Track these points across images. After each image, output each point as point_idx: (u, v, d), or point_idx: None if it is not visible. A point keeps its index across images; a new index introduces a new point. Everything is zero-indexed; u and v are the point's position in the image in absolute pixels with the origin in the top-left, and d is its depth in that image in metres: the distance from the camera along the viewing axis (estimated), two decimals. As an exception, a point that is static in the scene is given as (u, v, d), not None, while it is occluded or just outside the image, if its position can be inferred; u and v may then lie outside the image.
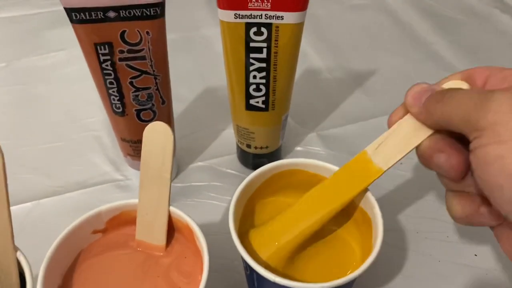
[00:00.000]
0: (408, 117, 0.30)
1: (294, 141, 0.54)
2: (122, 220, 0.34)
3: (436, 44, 0.68)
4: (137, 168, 0.46)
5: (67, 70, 0.63)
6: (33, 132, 0.54)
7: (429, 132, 0.29)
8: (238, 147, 0.50)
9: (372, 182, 0.32)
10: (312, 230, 0.33)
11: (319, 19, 0.71)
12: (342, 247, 0.34)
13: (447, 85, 0.30)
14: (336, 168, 0.35)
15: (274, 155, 0.50)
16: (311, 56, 0.65)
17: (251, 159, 0.50)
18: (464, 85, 0.29)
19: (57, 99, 0.59)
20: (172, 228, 0.34)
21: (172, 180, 0.32)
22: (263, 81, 0.42)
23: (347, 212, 0.36)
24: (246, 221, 0.35)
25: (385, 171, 0.32)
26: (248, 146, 0.48)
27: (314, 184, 0.36)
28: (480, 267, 0.41)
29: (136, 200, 0.33)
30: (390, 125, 0.32)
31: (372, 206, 0.33)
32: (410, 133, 0.30)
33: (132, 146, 0.44)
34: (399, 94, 0.57)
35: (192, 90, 0.60)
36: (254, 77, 0.42)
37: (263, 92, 0.43)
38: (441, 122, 0.27)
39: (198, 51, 0.66)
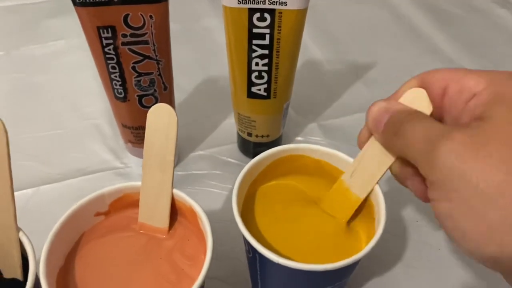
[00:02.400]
0: (373, 140, 0.31)
1: (294, 131, 0.54)
2: (125, 202, 0.34)
3: (435, 38, 0.68)
4: (138, 155, 0.46)
5: (67, 59, 0.63)
6: (32, 120, 0.54)
7: (393, 158, 0.30)
8: (239, 136, 0.50)
9: (354, 210, 0.34)
10: None
11: (320, 12, 0.72)
12: (347, 231, 0.34)
13: (405, 98, 0.29)
14: (338, 153, 0.35)
15: (274, 144, 0.49)
16: (311, 48, 0.65)
17: (251, 148, 0.50)
18: (422, 95, 0.29)
19: (57, 87, 0.59)
20: (175, 211, 0.34)
21: (175, 163, 0.32)
22: (265, 68, 0.42)
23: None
24: (249, 205, 0.35)
25: (363, 199, 0.33)
26: (249, 134, 0.48)
27: (317, 169, 0.36)
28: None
29: (139, 183, 0.33)
30: (359, 146, 0.32)
31: (374, 191, 0.33)
32: (378, 158, 0.31)
33: (134, 133, 0.44)
34: (398, 86, 0.58)
35: (192, 80, 0.60)
36: (257, 64, 0.42)
37: (265, 79, 0.43)
38: (400, 155, 0.28)
39: (198, 42, 0.66)
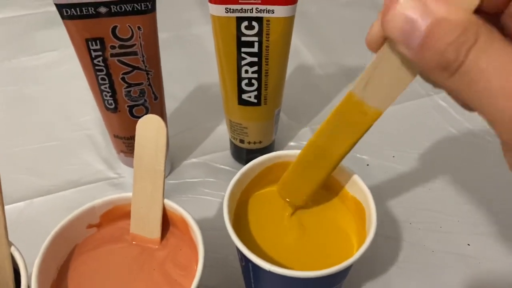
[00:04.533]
0: (389, 49, 0.23)
1: (287, 136, 0.54)
2: (117, 214, 0.34)
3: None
4: (131, 165, 0.46)
5: (59, 70, 0.63)
6: (25, 132, 0.54)
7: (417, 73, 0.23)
8: (231, 142, 0.50)
9: (371, 125, 0.28)
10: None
11: (310, 16, 0.72)
12: (339, 236, 0.34)
13: None
14: None
15: (267, 150, 0.50)
16: (302, 52, 0.65)
17: (244, 155, 0.50)
18: None
19: (49, 98, 0.59)
20: (167, 221, 0.34)
21: (166, 173, 0.32)
22: (255, 75, 0.42)
23: (341, 201, 0.36)
24: (241, 213, 0.36)
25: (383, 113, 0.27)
26: (242, 141, 0.48)
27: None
28: (473, 256, 0.42)
29: (130, 194, 0.33)
30: (369, 47, 0.24)
31: (364, 195, 0.33)
32: (400, 67, 0.24)
33: (125, 143, 0.44)
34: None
35: (184, 88, 0.60)
36: (246, 71, 0.42)
37: (255, 86, 0.43)
38: (455, 94, 0.19)
39: (189, 50, 0.66)
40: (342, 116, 0.29)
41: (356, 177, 0.35)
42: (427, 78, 0.23)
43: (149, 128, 0.32)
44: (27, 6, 0.73)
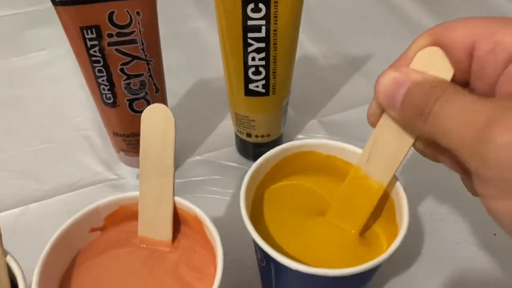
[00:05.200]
0: (387, 118, 0.26)
1: (295, 129, 0.51)
2: (122, 215, 0.31)
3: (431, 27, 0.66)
4: (132, 164, 0.43)
5: (50, 70, 0.60)
6: (18, 135, 0.51)
7: (413, 137, 0.26)
8: (237, 137, 0.47)
9: (377, 201, 0.30)
10: None
11: (311, 5, 0.69)
12: (365, 233, 0.32)
13: (417, 61, 0.25)
14: (349, 146, 0.33)
15: (275, 144, 0.46)
16: (305, 43, 0.63)
17: (251, 150, 0.47)
18: (439, 55, 0.24)
19: (42, 99, 0.56)
20: (178, 221, 0.31)
21: (175, 168, 0.29)
22: (263, 62, 0.40)
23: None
24: (256, 210, 0.33)
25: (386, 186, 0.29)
26: (248, 135, 0.45)
27: (327, 166, 0.34)
28: (500, 246, 0.39)
29: (136, 193, 0.30)
30: (370, 123, 0.28)
31: (393, 184, 0.31)
32: (396, 136, 0.26)
33: (126, 140, 0.41)
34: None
35: (184, 84, 0.57)
36: (253, 59, 0.39)
37: (263, 75, 0.40)
38: (430, 139, 0.23)
39: (187, 45, 0.64)
40: (351, 189, 0.31)
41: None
42: (422, 151, 0.27)
43: (155, 119, 0.29)
44: (12, 6, 0.70)
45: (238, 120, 0.45)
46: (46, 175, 0.47)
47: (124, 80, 0.37)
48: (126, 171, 0.46)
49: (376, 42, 0.63)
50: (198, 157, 0.48)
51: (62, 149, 0.49)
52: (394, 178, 0.30)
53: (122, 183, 0.46)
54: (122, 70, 0.37)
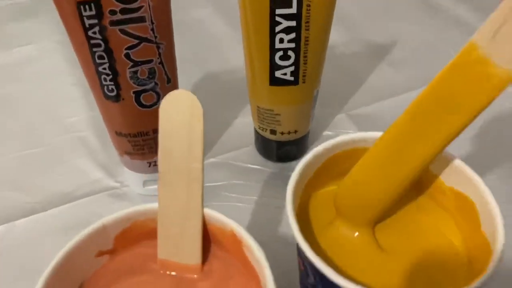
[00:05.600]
0: None
1: (321, 124, 0.45)
2: (136, 234, 0.24)
3: (456, 9, 0.60)
4: (138, 169, 0.36)
5: (38, 66, 0.53)
6: (3, 138, 0.44)
7: None
8: (257, 135, 0.41)
9: (498, 95, 0.20)
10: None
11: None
12: (438, 248, 0.25)
13: None
14: None
15: (301, 142, 0.41)
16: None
17: (274, 149, 0.41)
18: None
19: (30, 99, 0.49)
20: (208, 239, 0.24)
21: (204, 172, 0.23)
22: (292, 45, 0.33)
23: (431, 197, 0.27)
24: (302, 219, 0.26)
25: None
26: (273, 132, 0.39)
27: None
28: None
29: (154, 205, 0.24)
30: None
31: (474, 185, 0.25)
32: None
33: (131, 141, 0.35)
34: (427, 64, 0.50)
35: (191, 78, 0.51)
36: (281, 40, 0.33)
37: (292, 59, 0.34)
38: None
39: (192, 36, 0.57)
40: (454, 81, 0.21)
41: (457, 162, 0.26)
42: None
43: (178, 109, 0.22)
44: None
45: (261, 115, 0.38)
46: (36, 185, 0.40)
47: (129, 68, 0.31)
48: (129, 178, 0.39)
49: (399, 29, 0.57)
50: (212, 160, 0.42)
51: (54, 154, 0.43)
52: (477, 182, 0.24)
53: (124, 191, 0.40)
54: (127, 55, 0.30)
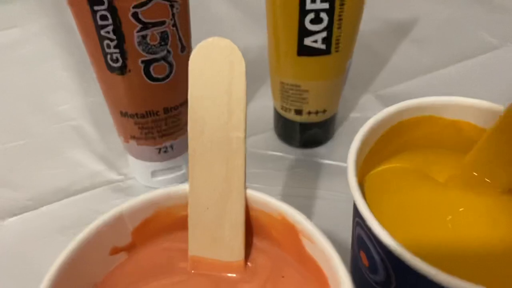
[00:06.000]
0: None
1: (346, 106, 0.40)
2: (161, 225, 0.19)
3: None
4: (145, 157, 0.31)
5: (24, 51, 0.47)
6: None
7: None
8: (278, 117, 0.36)
9: None
10: None
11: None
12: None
13: None
14: (486, 103, 0.22)
15: (327, 125, 0.36)
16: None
17: (298, 133, 0.36)
18: None
19: (17, 86, 0.44)
20: (251, 228, 0.19)
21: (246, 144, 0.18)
22: (326, 5, 0.29)
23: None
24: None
25: None
26: (298, 112, 0.34)
27: (452, 138, 0.23)
28: None
29: (184, 187, 0.19)
30: None
31: None
32: None
33: (139, 123, 0.30)
34: (452, 41, 0.46)
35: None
36: (313, 0, 0.28)
37: (325, 23, 0.29)
38: None
39: (193, 15, 0.52)
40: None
41: None
42: None
43: (214, 62, 0.17)
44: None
45: (284, 92, 0.33)
46: (27, 180, 0.35)
47: (138, 32, 0.26)
48: (135, 168, 0.34)
49: (420, 6, 0.53)
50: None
51: (45, 146, 0.38)
52: None
53: (129, 184, 0.34)
54: (135, 15, 0.25)
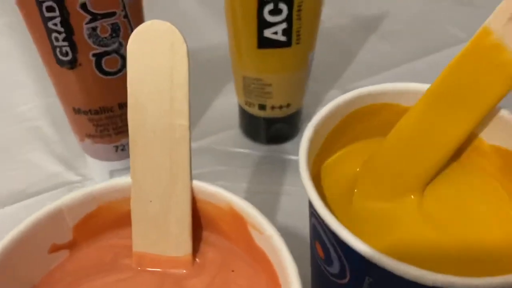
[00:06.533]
0: None
1: (313, 101, 0.39)
2: (104, 220, 0.18)
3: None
4: (102, 157, 0.30)
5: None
6: None
7: None
8: (243, 113, 0.35)
9: None
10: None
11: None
12: (485, 218, 0.20)
13: None
14: None
15: (293, 120, 0.36)
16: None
17: (263, 129, 0.35)
18: None
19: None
20: (198, 221, 0.18)
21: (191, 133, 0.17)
22: (284, -5, 0.28)
23: (471, 161, 0.22)
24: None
25: None
26: (262, 107, 0.33)
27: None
28: None
29: (126, 180, 0.18)
30: None
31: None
32: None
33: (93, 120, 0.29)
34: (420, 36, 0.45)
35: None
36: (271, -10, 0.28)
37: (285, 14, 0.29)
38: None
39: (159, 13, 0.51)
40: (468, 68, 0.19)
41: (503, 113, 0.21)
42: None
43: (154, 47, 0.17)
44: None
45: (247, 86, 0.33)
46: (-20, 183, 0.33)
47: (87, 23, 0.25)
48: (93, 168, 0.33)
49: (389, 1, 0.53)
50: (192, 144, 0.36)
51: (3, 147, 0.37)
52: None
53: (88, 186, 0.33)
54: (83, 6, 0.24)
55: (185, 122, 0.17)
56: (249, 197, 0.32)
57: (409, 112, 0.21)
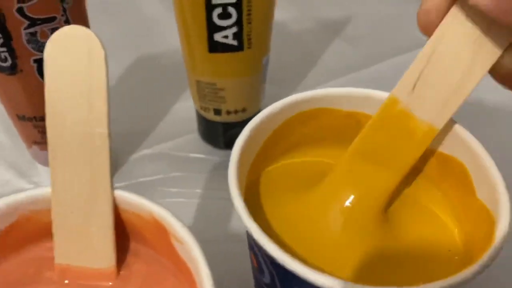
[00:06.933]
0: (458, 14, 0.17)
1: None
2: (24, 232, 0.18)
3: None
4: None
5: None
6: None
7: (503, 46, 0.16)
8: (200, 118, 0.35)
9: (425, 148, 0.19)
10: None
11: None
12: (425, 225, 0.20)
13: None
14: (384, 94, 0.21)
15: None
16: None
17: (220, 133, 0.35)
18: None
19: None
20: (123, 231, 0.18)
21: (111, 139, 0.17)
22: (232, -1, 0.28)
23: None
24: (251, 203, 0.20)
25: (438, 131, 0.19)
26: (217, 112, 0.33)
27: (349, 131, 0.22)
28: None
29: (46, 189, 0.17)
30: (423, 27, 0.18)
31: (468, 148, 0.19)
32: (468, 48, 0.17)
33: (38, 127, 0.28)
34: (383, 40, 0.45)
35: (121, 63, 0.44)
36: (219, -7, 0.27)
37: (234, 18, 0.28)
38: None
39: (120, 17, 0.50)
40: (380, 136, 0.20)
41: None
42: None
43: (71, 53, 0.16)
44: None
45: (201, 91, 0.32)
46: None
47: (25, 29, 0.24)
48: (45, 176, 0.32)
49: (353, 4, 0.53)
50: (146, 151, 0.36)
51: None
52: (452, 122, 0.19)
53: (41, 194, 0.32)
54: (20, 11, 0.24)
55: (104, 130, 0.16)
56: (203, 202, 0.32)
57: (334, 167, 0.21)
